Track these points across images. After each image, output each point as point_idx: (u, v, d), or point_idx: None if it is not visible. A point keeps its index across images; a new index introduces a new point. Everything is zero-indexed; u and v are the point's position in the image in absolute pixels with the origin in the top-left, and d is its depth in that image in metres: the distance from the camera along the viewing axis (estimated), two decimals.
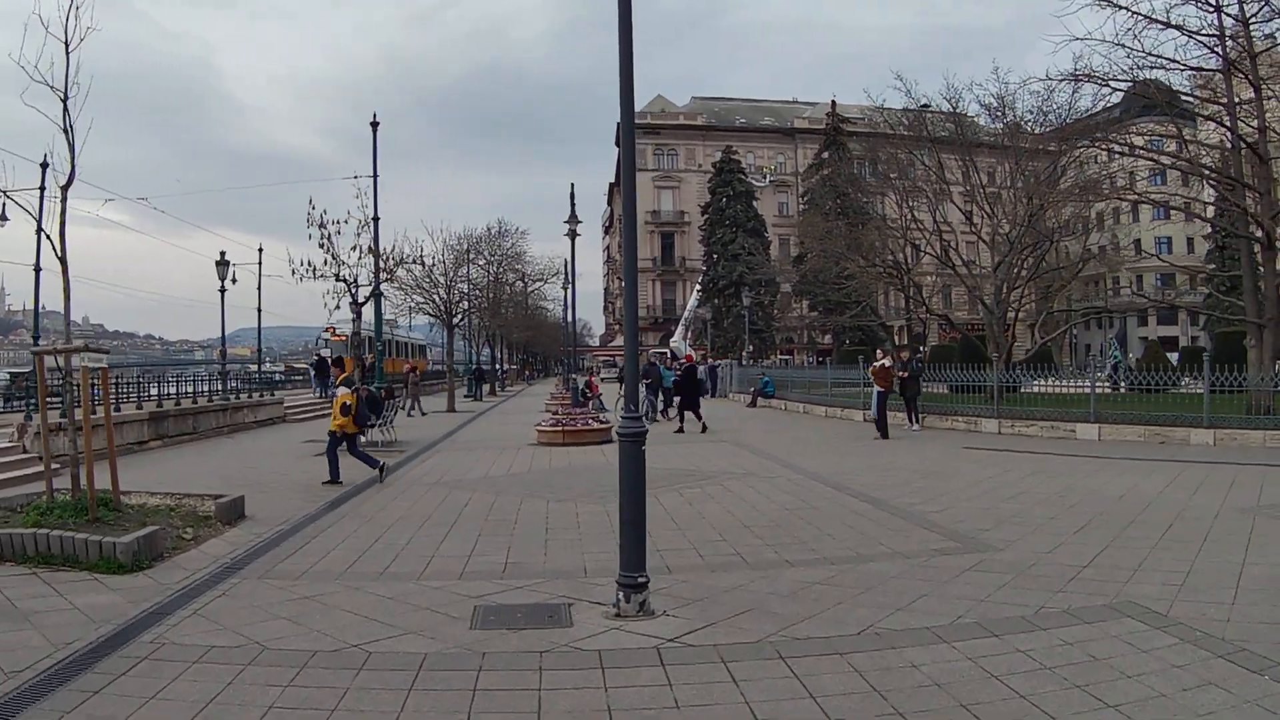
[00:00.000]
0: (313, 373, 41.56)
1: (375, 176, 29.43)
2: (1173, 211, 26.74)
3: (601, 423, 21.19)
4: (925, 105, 32.40)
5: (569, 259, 27.85)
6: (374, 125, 29.72)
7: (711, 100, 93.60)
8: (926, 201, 33.43)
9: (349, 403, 14.16)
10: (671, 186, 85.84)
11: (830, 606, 6.62)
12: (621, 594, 6.52)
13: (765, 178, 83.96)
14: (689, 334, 59.46)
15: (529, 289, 64.83)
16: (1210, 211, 29.09)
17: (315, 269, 20.05)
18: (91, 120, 9.83)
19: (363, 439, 15.14)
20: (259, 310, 40.59)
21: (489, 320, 52.56)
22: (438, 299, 37.58)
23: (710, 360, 51.27)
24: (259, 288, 40.08)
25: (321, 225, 19.94)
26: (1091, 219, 39.38)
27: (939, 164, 32.05)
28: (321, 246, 19.77)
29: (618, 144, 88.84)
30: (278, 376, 54.63)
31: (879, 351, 24.54)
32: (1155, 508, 10.36)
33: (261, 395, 32.25)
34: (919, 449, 18.03)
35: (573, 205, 24.71)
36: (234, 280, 36.93)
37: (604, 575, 7.30)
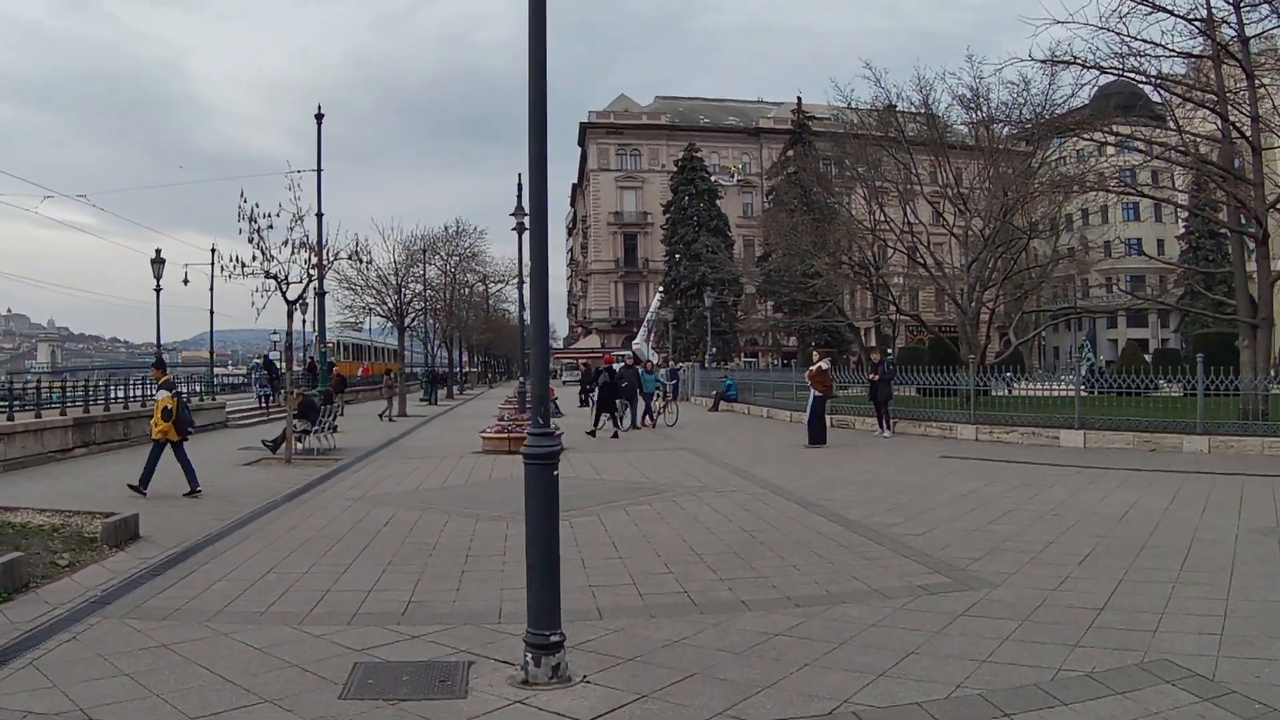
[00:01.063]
0: (255, 376, 40.87)
1: (319, 170, 28.49)
2: (1143, 212, 26.12)
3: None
4: (892, 106, 31.35)
5: (519, 253, 26.75)
6: (318, 117, 30.20)
7: (676, 100, 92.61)
8: (896, 198, 32.43)
9: (169, 407, 13.07)
10: (635, 187, 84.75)
11: (795, 670, 5.26)
12: (530, 655, 5.17)
13: (733, 177, 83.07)
14: (651, 336, 58.19)
15: (489, 291, 63.47)
16: (1185, 200, 28.40)
17: (244, 265, 18.71)
18: None
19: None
20: (211, 312, 42.81)
21: (445, 322, 51.17)
22: (389, 300, 36.36)
23: (671, 363, 50.14)
24: (211, 289, 41.08)
25: (251, 219, 18.62)
26: (1061, 220, 38.71)
27: (910, 159, 31.07)
28: (251, 241, 18.46)
29: (581, 144, 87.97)
30: (239, 380, 53.42)
31: (815, 354, 23.88)
32: (1164, 530, 9.13)
33: (202, 399, 30.76)
34: (892, 458, 16.85)
35: (519, 196, 23.54)
36: (186, 281, 37.98)
37: (522, 620, 5.97)
